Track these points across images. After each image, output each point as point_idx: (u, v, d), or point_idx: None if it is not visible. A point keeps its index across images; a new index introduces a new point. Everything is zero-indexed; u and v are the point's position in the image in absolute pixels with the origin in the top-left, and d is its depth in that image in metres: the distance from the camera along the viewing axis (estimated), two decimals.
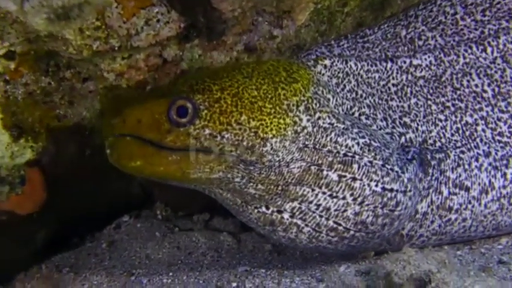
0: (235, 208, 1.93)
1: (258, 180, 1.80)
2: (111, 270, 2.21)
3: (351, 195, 1.82)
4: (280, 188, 1.82)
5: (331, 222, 1.85)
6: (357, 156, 1.82)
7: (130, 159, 1.77)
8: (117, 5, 1.82)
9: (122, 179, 2.23)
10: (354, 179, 1.81)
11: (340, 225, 1.85)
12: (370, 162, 1.83)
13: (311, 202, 1.83)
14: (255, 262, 2.26)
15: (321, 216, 1.84)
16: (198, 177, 1.77)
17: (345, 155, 1.82)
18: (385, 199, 1.83)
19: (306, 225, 1.86)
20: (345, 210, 1.83)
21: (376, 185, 1.83)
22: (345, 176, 1.81)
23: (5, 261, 2.14)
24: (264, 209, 1.87)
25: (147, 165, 1.77)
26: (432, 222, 1.95)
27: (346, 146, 1.82)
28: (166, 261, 2.34)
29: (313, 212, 1.84)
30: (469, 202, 1.95)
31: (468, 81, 2.03)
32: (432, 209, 1.94)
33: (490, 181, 1.96)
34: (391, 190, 1.83)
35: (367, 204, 1.83)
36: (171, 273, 2.09)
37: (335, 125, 1.83)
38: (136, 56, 1.98)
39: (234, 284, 1.91)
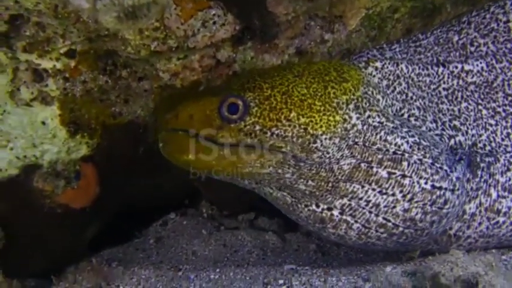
0: (285, 207, 1.97)
1: (309, 176, 1.84)
2: (158, 265, 2.25)
3: (401, 192, 1.85)
4: (330, 184, 1.85)
5: (380, 219, 1.88)
6: (406, 154, 1.85)
7: (183, 152, 1.83)
8: (176, 6, 1.85)
9: (171, 177, 2.28)
10: (404, 176, 1.85)
11: (389, 221, 1.88)
12: (420, 160, 1.85)
13: (361, 199, 1.86)
14: (300, 261, 2.29)
15: (370, 213, 1.88)
16: (249, 172, 1.83)
17: (394, 153, 1.85)
18: (434, 196, 1.86)
19: (356, 222, 1.89)
20: (394, 207, 1.86)
21: (426, 183, 1.85)
22: (394, 173, 1.85)
23: (57, 253, 2.19)
24: (314, 206, 1.90)
25: (199, 159, 1.82)
26: (480, 224, 1.97)
27: (396, 144, 1.85)
28: (212, 258, 2.38)
29: (363, 209, 1.87)
30: None
31: None
32: (480, 211, 1.96)
33: None
34: (440, 188, 1.86)
35: (417, 201, 1.85)
36: (218, 270, 2.12)
37: (384, 123, 1.86)
38: (191, 57, 2.01)
39: (281, 281, 1.94)
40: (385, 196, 1.86)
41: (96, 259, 2.25)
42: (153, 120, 2.14)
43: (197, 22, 1.90)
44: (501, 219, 1.97)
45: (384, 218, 1.88)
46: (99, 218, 2.29)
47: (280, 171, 1.83)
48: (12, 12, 1.76)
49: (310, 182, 1.85)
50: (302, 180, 1.85)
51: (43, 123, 2.00)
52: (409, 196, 1.85)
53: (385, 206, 1.86)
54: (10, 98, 1.94)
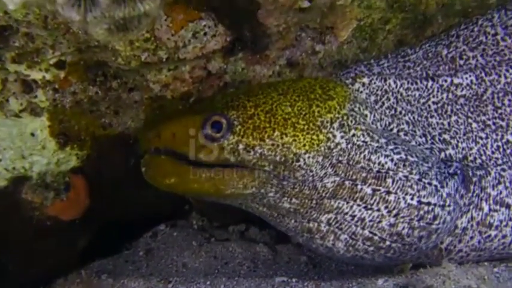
0: (272, 219, 1.97)
1: (292, 194, 1.84)
2: (148, 278, 2.22)
3: (386, 207, 1.85)
4: (314, 202, 1.85)
5: (366, 232, 1.87)
6: (391, 172, 1.84)
7: (165, 176, 1.85)
8: (167, 17, 1.85)
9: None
10: (389, 193, 1.84)
11: (375, 235, 1.87)
12: (406, 176, 1.85)
13: (346, 213, 1.86)
14: (291, 273, 2.27)
15: (356, 226, 1.87)
16: (232, 193, 1.83)
17: (378, 171, 1.84)
18: (421, 212, 1.85)
19: (343, 233, 1.89)
20: (380, 221, 1.86)
21: (412, 198, 1.85)
22: (379, 190, 1.84)
23: (46, 265, 2.18)
24: (300, 219, 1.90)
25: (182, 183, 1.83)
26: (472, 238, 1.96)
27: (379, 163, 1.85)
28: (203, 270, 2.36)
29: (349, 222, 1.87)
30: (510, 219, 1.96)
31: (510, 100, 2.05)
32: (472, 225, 1.95)
33: None
34: (428, 204, 1.85)
35: (403, 217, 1.85)
36: (208, 282, 2.11)
37: (368, 143, 1.86)
38: (182, 68, 2.01)
39: None
40: (370, 211, 1.85)
41: (85, 271, 2.24)
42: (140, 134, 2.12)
43: (188, 33, 1.90)
44: (493, 232, 1.96)
45: (370, 232, 1.87)
46: (89, 230, 2.27)
47: (263, 190, 1.83)
48: (1, 23, 1.75)
49: (294, 200, 1.85)
50: (286, 198, 1.85)
51: (32, 134, 1.99)
52: (394, 211, 1.85)
53: (370, 221, 1.86)
54: None
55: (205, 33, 1.92)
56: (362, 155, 1.84)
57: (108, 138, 2.12)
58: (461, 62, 2.09)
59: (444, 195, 1.88)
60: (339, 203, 1.85)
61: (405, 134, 1.95)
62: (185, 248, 2.52)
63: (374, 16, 2.09)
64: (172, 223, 2.73)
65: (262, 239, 2.62)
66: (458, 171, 1.93)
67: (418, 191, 1.85)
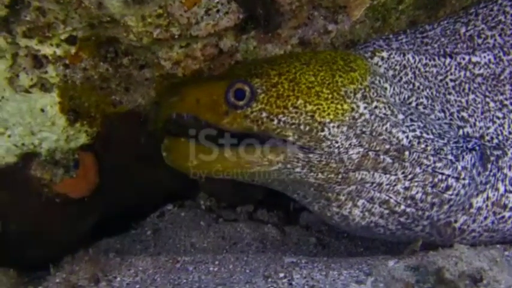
0: (292, 185, 1.95)
1: (319, 168, 1.82)
2: (156, 257, 2.22)
3: (403, 173, 1.86)
4: (340, 176, 1.84)
5: (383, 195, 1.88)
6: (408, 146, 1.84)
7: (186, 160, 1.82)
8: None
9: (170, 168, 2.26)
10: (407, 162, 1.86)
11: (391, 198, 1.88)
12: (421, 151, 1.85)
13: (367, 182, 1.87)
14: (300, 254, 2.27)
15: (374, 190, 1.88)
16: (258, 171, 1.81)
17: (397, 143, 1.84)
18: (435, 180, 1.87)
19: (361, 198, 1.89)
20: (396, 185, 1.86)
21: (427, 167, 1.86)
22: (398, 159, 1.85)
23: (55, 243, 2.17)
24: (321, 190, 1.89)
25: (204, 164, 1.81)
26: (486, 218, 1.96)
27: (397, 138, 1.84)
28: (211, 250, 2.36)
29: (367, 188, 1.88)
30: None
31: None
32: (487, 205, 1.95)
33: None
34: (442, 174, 1.87)
35: (417, 181, 1.86)
36: (217, 262, 2.11)
37: (389, 116, 1.85)
38: (194, 45, 1.99)
39: (282, 275, 1.91)
40: (388, 175, 1.87)
41: (93, 249, 2.23)
42: (154, 110, 2.11)
43: (201, 10, 1.88)
44: (507, 214, 1.96)
45: (386, 195, 1.88)
46: (98, 209, 2.27)
47: (289, 165, 1.81)
48: None
49: (320, 175, 1.83)
50: (312, 173, 1.83)
51: (42, 110, 1.98)
52: (410, 176, 1.86)
53: (387, 184, 1.87)
54: (9, 84, 1.92)
55: (218, 10, 1.90)
56: (384, 127, 1.84)
57: (118, 115, 2.10)
58: (480, 41, 2.08)
59: (459, 168, 1.88)
60: (362, 174, 1.85)
61: (424, 108, 1.95)
62: (193, 228, 2.51)
63: None
64: (180, 203, 2.72)
65: (271, 220, 2.61)
66: (477, 147, 1.92)
67: (434, 162, 1.86)
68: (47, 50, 1.90)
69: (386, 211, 1.91)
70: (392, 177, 1.86)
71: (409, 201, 1.89)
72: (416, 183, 1.86)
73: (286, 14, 2.01)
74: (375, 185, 1.87)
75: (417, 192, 1.87)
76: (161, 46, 1.96)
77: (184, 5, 1.85)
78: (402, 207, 1.89)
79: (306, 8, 2.03)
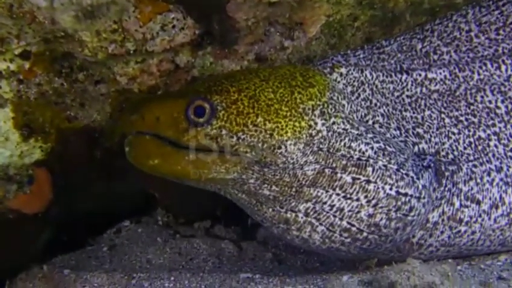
0: (249, 207, 1.95)
1: (272, 181, 1.83)
2: (112, 273, 2.20)
3: (365, 197, 1.84)
4: (294, 189, 1.84)
5: (344, 223, 1.87)
6: (371, 160, 1.85)
7: (148, 157, 1.82)
8: (135, 9, 1.83)
9: (126, 184, 2.25)
10: (368, 182, 1.84)
11: (353, 226, 1.87)
12: (385, 166, 1.86)
13: (325, 203, 1.86)
14: (256, 270, 2.27)
15: (334, 216, 1.87)
16: (214, 178, 1.82)
17: (358, 159, 1.84)
18: (399, 203, 1.86)
19: (320, 224, 1.88)
20: (359, 212, 1.85)
21: (391, 188, 1.85)
22: (359, 179, 1.84)
23: (8, 260, 2.14)
24: (278, 207, 1.89)
25: (165, 164, 1.81)
26: (442, 232, 1.97)
27: (360, 150, 1.85)
28: (167, 266, 2.35)
29: (327, 212, 1.86)
30: (479, 215, 1.97)
31: (482, 97, 2.06)
32: (443, 220, 1.96)
33: (500, 196, 1.99)
34: (405, 195, 1.86)
35: (381, 207, 1.85)
36: (172, 278, 2.10)
37: (349, 130, 1.86)
38: (149, 61, 1.99)
39: None
40: (349, 201, 1.85)
41: (47, 266, 2.20)
42: (110, 125, 2.10)
43: (156, 25, 1.88)
44: (463, 228, 1.97)
45: (348, 223, 1.87)
46: (52, 224, 2.24)
47: (244, 176, 1.82)
48: None
49: (274, 187, 1.84)
50: (266, 185, 1.84)
51: None
52: (373, 201, 1.85)
53: (349, 211, 1.86)
54: None
55: (173, 26, 1.90)
56: (342, 143, 1.84)
57: (73, 131, 2.08)
58: (435, 57, 2.10)
59: (420, 187, 1.89)
60: (318, 191, 1.85)
61: (380, 126, 1.96)
62: (150, 244, 2.50)
63: (343, 12, 2.10)
64: (137, 219, 2.71)
65: (228, 235, 2.61)
66: (432, 164, 1.94)
67: (397, 181, 1.86)
68: (0, 65, 1.89)
69: (348, 239, 1.90)
70: (355, 203, 1.85)
71: (372, 228, 1.88)
72: (380, 210, 1.86)
73: (242, 30, 2.02)
74: (335, 209, 1.86)
75: (381, 219, 1.87)
76: (116, 61, 1.96)
77: (140, 21, 1.85)
78: (365, 234, 1.89)
79: (262, 25, 2.04)
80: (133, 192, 2.49)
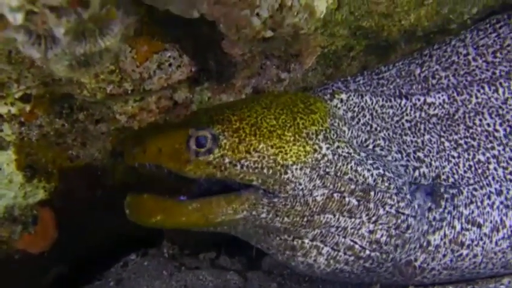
0: (256, 236, 1.95)
1: (284, 212, 1.81)
2: None
3: (367, 215, 1.87)
4: (305, 219, 1.84)
5: (348, 240, 1.88)
6: (372, 185, 1.86)
7: (150, 215, 1.81)
8: (131, 49, 1.86)
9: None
10: (370, 202, 1.87)
11: (356, 243, 1.89)
12: (386, 190, 1.88)
13: (332, 226, 1.87)
14: None
15: (338, 235, 1.88)
16: (223, 221, 1.79)
17: (363, 183, 1.86)
18: (398, 221, 1.89)
19: (326, 246, 1.89)
20: (360, 228, 1.87)
21: (391, 208, 1.88)
22: (363, 200, 1.86)
23: None
24: (286, 236, 1.89)
25: (168, 219, 1.81)
26: (444, 256, 1.98)
27: (363, 176, 1.86)
28: None
29: (332, 233, 1.88)
30: (481, 239, 1.98)
31: (480, 120, 2.08)
32: (445, 243, 1.97)
33: (501, 219, 2.00)
34: (403, 214, 1.89)
35: (381, 223, 1.88)
36: None
37: (352, 154, 1.88)
38: (148, 99, 2.01)
39: None
40: (352, 219, 1.87)
41: None
42: (112, 163, 2.12)
43: (153, 64, 1.90)
44: (464, 251, 1.98)
45: (351, 240, 1.89)
46: (59, 262, 2.26)
47: (254, 212, 1.80)
48: None
49: (285, 219, 1.82)
50: (278, 218, 1.82)
51: None
52: (374, 218, 1.88)
53: (351, 228, 1.87)
54: None
55: (170, 64, 1.93)
56: (349, 166, 1.86)
57: (75, 170, 2.10)
58: (434, 82, 2.13)
59: (416, 206, 1.92)
60: (327, 217, 1.85)
61: (381, 149, 1.98)
62: (156, 277, 2.50)
63: (338, 43, 2.11)
64: (143, 252, 2.72)
65: (233, 266, 2.62)
66: (420, 186, 1.96)
67: (398, 202, 1.89)
68: (1, 109, 1.92)
69: (352, 258, 1.91)
70: (357, 220, 1.87)
71: (374, 246, 1.90)
72: (380, 226, 1.88)
73: (238, 64, 2.04)
74: (340, 229, 1.87)
75: (382, 236, 1.89)
76: (116, 101, 1.98)
77: (136, 61, 1.87)
78: (367, 252, 1.91)
79: (258, 58, 2.06)
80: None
